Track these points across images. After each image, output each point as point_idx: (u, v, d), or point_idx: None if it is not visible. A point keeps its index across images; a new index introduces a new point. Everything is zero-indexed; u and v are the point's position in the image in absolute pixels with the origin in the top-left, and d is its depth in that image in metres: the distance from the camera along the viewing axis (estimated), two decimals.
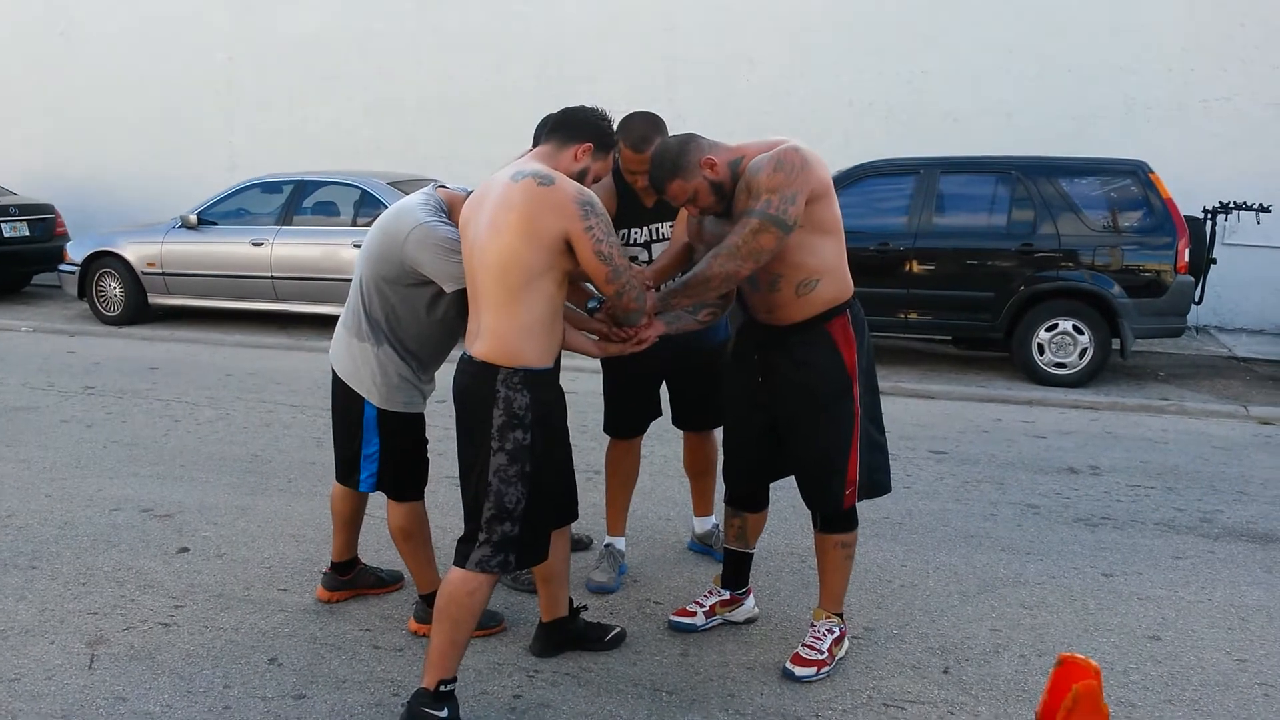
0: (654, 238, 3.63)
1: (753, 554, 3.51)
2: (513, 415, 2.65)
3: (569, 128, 2.85)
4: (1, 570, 3.93)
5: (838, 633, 3.26)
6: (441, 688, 2.74)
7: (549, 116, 3.43)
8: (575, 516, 3.15)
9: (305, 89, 12.89)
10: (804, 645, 3.23)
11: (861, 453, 3.08)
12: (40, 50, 13.88)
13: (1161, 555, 4.23)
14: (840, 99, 11.04)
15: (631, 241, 3.64)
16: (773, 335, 3.09)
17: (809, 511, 3.25)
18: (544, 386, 2.72)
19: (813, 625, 3.29)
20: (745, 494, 3.36)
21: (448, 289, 2.99)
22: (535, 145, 3.36)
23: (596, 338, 3.06)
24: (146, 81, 13.47)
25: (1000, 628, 3.54)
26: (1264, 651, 3.38)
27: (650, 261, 3.59)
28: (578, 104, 2.91)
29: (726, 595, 3.51)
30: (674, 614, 3.50)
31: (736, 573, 3.49)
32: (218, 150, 13.22)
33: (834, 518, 3.17)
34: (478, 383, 2.68)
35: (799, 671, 3.14)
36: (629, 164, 3.40)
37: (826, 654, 3.19)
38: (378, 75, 12.56)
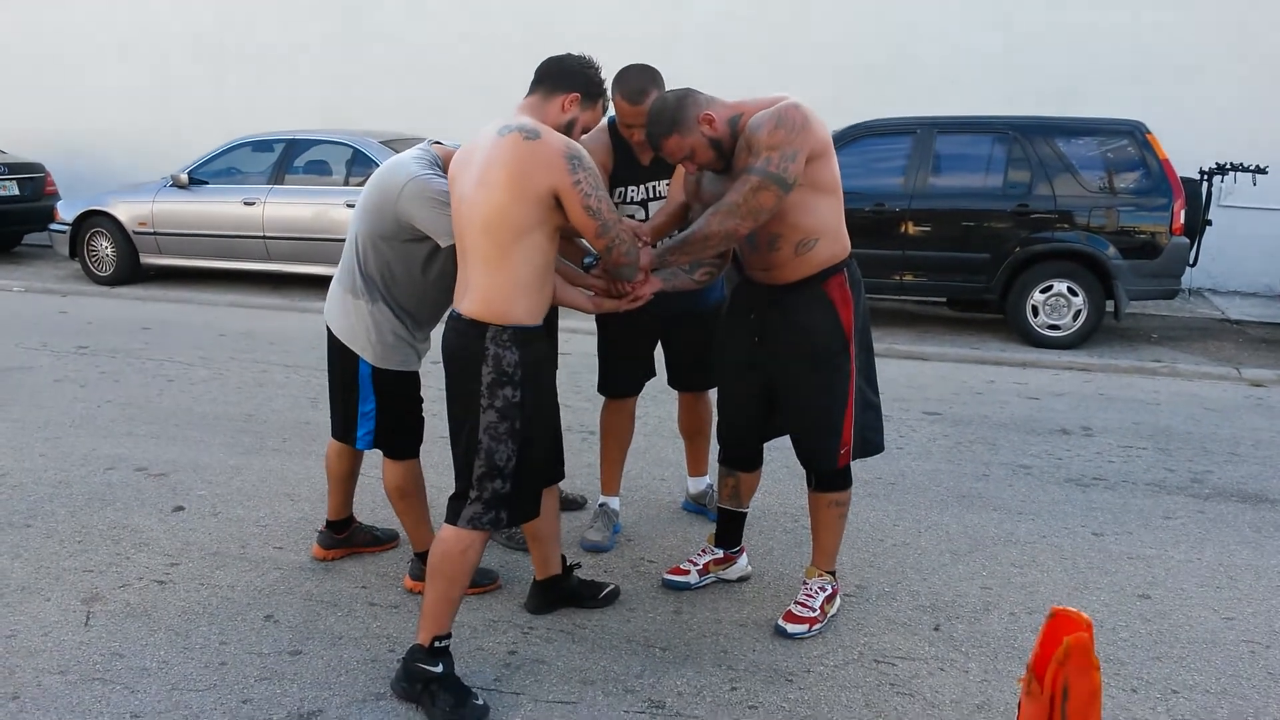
0: (650, 195, 3.60)
1: (746, 513, 3.52)
2: (502, 372, 2.65)
3: (555, 77, 2.81)
4: None
5: (830, 590, 3.29)
6: (436, 643, 2.76)
7: (576, 59, 3.37)
8: (562, 476, 3.16)
9: (296, 49, 12.73)
10: (796, 603, 3.26)
11: (856, 412, 3.09)
12: (29, 11, 13.67)
13: (1152, 515, 4.27)
14: (837, 62, 10.92)
15: (628, 200, 3.61)
16: (770, 294, 3.08)
17: (803, 471, 3.26)
18: (533, 344, 2.70)
19: (805, 583, 3.31)
20: (739, 453, 3.36)
21: (442, 244, 2.97)
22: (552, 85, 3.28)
23: (592, 293, 3.04)
24: (135, 40, 13.29)
25: (991, 586, 3.57)
26: (1251, 610, 3.42)
27: (647, 219, 3.57)
28: (564, 52, 2.87)
29: (720, 554, 3.53)
30: (667, 572, 3.53)
31: (730, 532, 3.51)
32: (207, 109, 13.07)
33: (828, 477, 3.18)
34: (467, 340, 2.67)
35: (791, 628, 3.17)
36: (625, 116, 3.37)
37: (819, 611, 3.22)
38: (370, 35, 12.39)
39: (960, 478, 4.69)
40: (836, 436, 3.08)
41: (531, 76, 2.83)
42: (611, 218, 2.67)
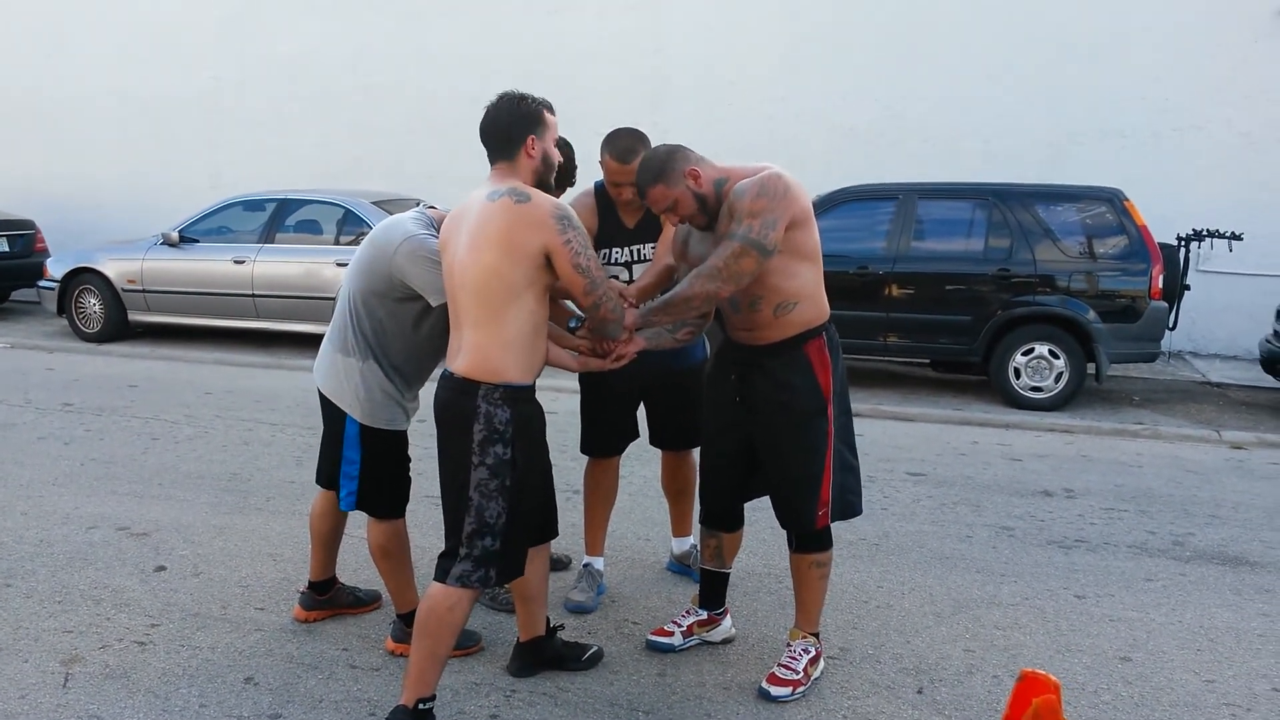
0: (634, 258, 3.67)
1: (729, 574, 3.54)
2: (494, 430, 2.68)
3: (502, 139, 2.79)
4: None
5: (813, 652, 3.29)
6: (420, 705, 2.75)
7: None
8: (555, 534, 3.17)
9: (291, 108, 12.91)
10: (780, 665, 3.25)
11: (835, 473, 3.13)
12: (27, 66, 13.85)
13: (1133, 577, 4.29)
14: (822, 122, 11.15)
15: (612, 261, 3.68)
16: (751, 355, 3.14)
17: (785, 532, 3.28)
18: (525, 402, 2.75)
19: (789, 645, 3.31)
20: (721, 513, 3.39)
21: (433, 302, 3.02)
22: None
23: (577, 354, 3.10)
24: (131, 98, 13.46)
25: (974, 648, 3.58)
26: (1231, 672, 3.43)
27: (631, 282, 3.64)
28: (484, 112, 2.82)
29: (704, 615, 3.53)
30: (652, 634, 3.52)
31: (713, 593, 3.52)
32: (201, 169, 13.20)
33: (808, 537, 3.20)
34: (459, 398, 2.71)
35: (774, 691, 3.17)
36: (613, 175, 3.46)
37: (802, 674, 3.22)
38: (364, 95, 12.59)
39: (944, 539, 4.71)
40: (815, 497, 3.11)
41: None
42: (599, 275, 2.76)
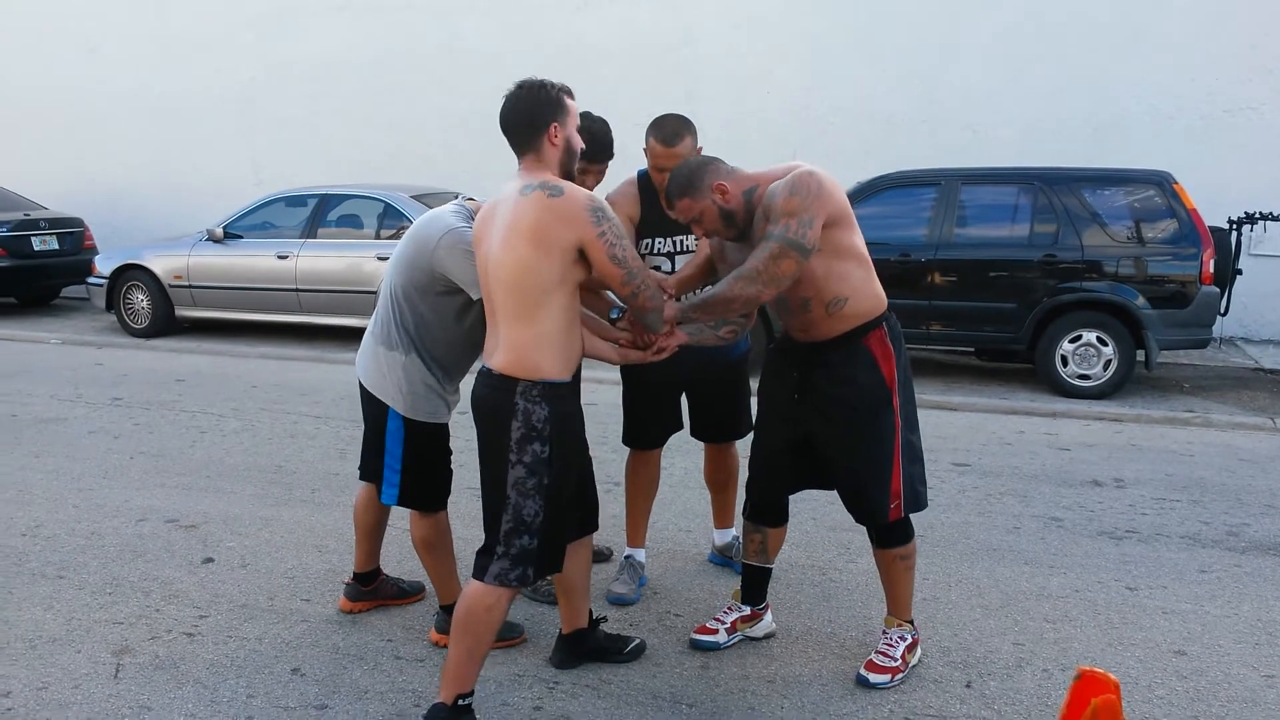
0: (677, 249, 3.64)
1: (772, 569, 3.50)
2: (531, 428, 2.67)
3: (524, 130, 2.72)
4: (30, 580, 3.99)
5: (910, 639, 3.28)
6: (459, 702, 2.75)
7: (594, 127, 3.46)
8: (596, 527, 3.16)
9: (326, 106, 13.03)
10: (877, 652, 3.24)
11: (904, 465, 3.10)
12: (69, 69, 14.10)
13: (1187, 569, 4.19)
14: (858, 112, 11.02)
15: (655, 251, 3.66)
16: (811, 353, 3.11)
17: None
18: (563, 399, 2.73)
19: (885, 632, 3.30)
20: (768, 508, 3.36)
21: (473, 296, 3.02)
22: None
23: (618, 345, 3.07)
24: (171, 98, 13.66)
25: (1023, 642, 3.52)
26: None
27: (673, 272, 3.61)
28: (503, 101, 2.76)
29: (747, 610, 3.50)
30: (695, 631, 3.49)
31: (756, 588, 3.49)
32: (240, 165, 13.37)
33: (888, 532, 3.18)
34: (497, 395, 2.70)
35: (874, 678, 3.16)
36: (658, 159, 3.44)
37: (900, 660, 3.21)
38: (397, 93, 12.66)
39: (991, 530, 4.64)
40: (886, 489, 3.08)
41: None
42: (636, 265, 2.72)
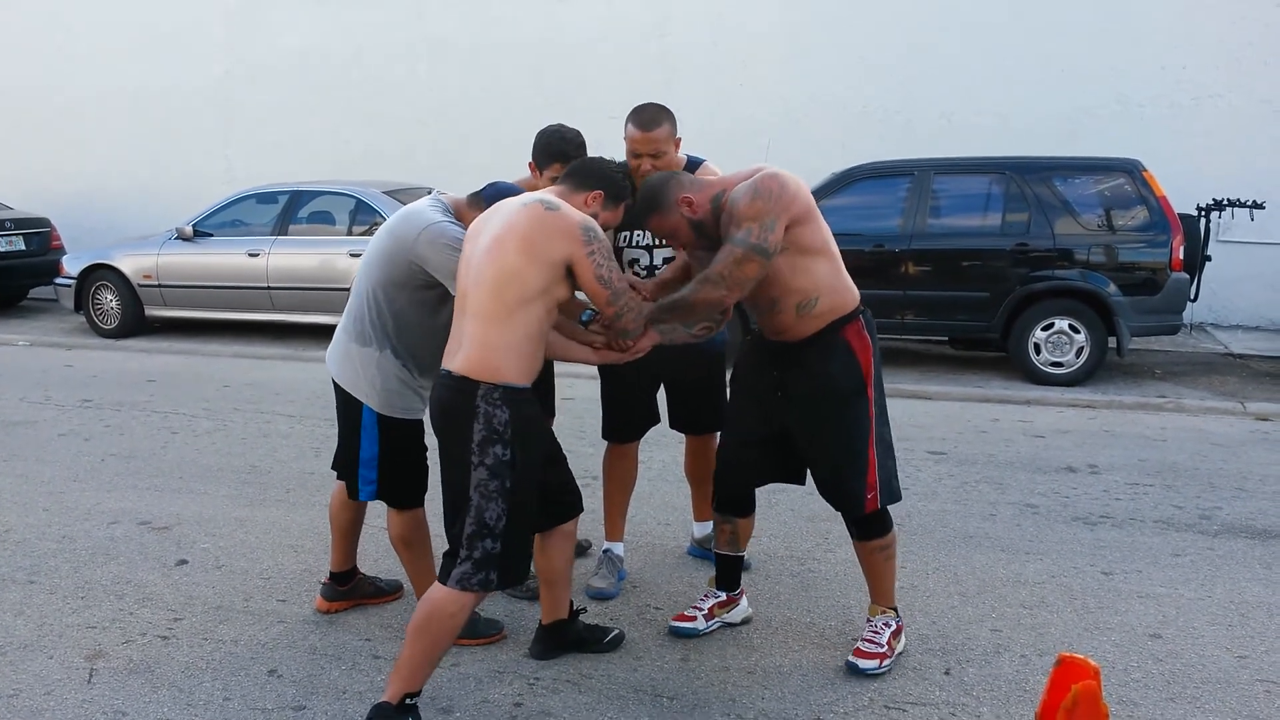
0: (655, 242, 3.64)
1: (744, 556, 3.53)
2: (493, 430, 2.68)
3: (583, 174, 2.98)
4: (0, 585, 3.92)
5: (894, 626, 3.30)
6: (406, 700, 2.73)
7: (545, 131, 3.44)
8: (581, 509, 3.16)
9: (301, 101, 12.90)
10: (863, 639, 3.26)
11: (878, 455, 3.11)
12: (37, 63, 13.87)
13: (1161, 553, 4.23)
14: (835, 103, 11.05)
15: (633, 244, 3.66)
16: (786, 351, 3.13)
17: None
18: (524, 403, 2.75)
19: (869, 621, 3.32)
20: (738, 499, 3.38)
21: (451, 290, 3.00)
22: (533, 158, 3.40)
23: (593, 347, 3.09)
24: (143, 94, 13.47)
25: (1000, 628, 3.54)
26: (1265, 648, 3.38)
27: (651, 264, 3.64)
28: (599, 155, 3.05)
29: (723, 596, 3.52)
30: (674, 619, 3.50)
31: (730, 575, 3.52)
32: (214, 162, 13.22)
33: (867, 525, 3.20)
34: (457, 397, 2.71)
35: (863, 664, 3.17)
36: (635, 144, 3.46)
37: (886, 646, 3.22)
38: (374, 86, 12.56)
39: (967, 518, 4.67)
40: (862, 479, 3.10)
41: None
42: (621, 286, 2.80)
